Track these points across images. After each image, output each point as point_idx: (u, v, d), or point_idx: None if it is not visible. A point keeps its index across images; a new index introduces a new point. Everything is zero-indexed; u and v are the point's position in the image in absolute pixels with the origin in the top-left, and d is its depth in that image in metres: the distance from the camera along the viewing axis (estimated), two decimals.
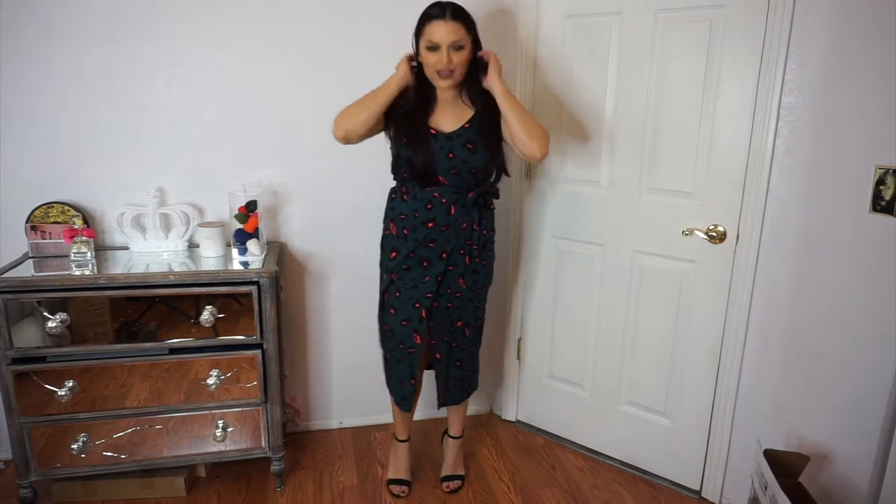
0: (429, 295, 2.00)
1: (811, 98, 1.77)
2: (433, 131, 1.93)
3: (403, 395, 2.12)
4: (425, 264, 1.99)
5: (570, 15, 2.25)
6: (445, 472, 2.31)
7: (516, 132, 1.87)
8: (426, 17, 1.85)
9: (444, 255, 1.99)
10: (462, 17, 1.84)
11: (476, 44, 1.91)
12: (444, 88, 1.91)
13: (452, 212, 1.96)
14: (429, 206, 1.95)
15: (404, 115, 1.94)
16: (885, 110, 1.54)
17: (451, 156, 1.92)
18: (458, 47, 1.84)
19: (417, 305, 2.01)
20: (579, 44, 2.25)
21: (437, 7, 1.85)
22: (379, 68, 1.97)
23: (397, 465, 2.28)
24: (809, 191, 1.80)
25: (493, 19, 2.38)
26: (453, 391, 2.18)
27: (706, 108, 1.99)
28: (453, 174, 1.94)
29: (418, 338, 2.03)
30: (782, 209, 1.88)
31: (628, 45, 2.12)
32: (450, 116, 1.96)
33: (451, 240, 1.98)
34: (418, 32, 1.88)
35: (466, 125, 1.95)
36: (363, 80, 1.92)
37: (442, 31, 1.81)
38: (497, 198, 2.08)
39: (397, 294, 2.02)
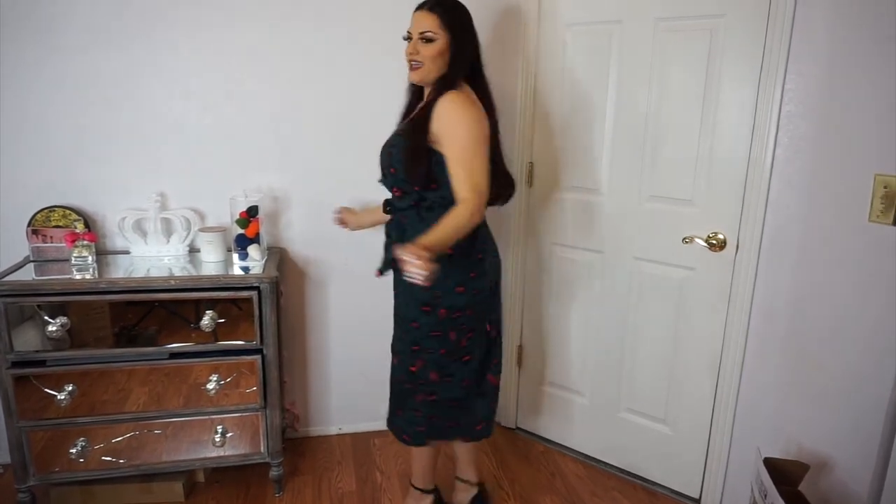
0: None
1: (811, 107, 1.78)
2: None
3: None
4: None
5: (571, 23, 2.26)
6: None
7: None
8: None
9: None
10: (440, 9, 1.71)
11: (457, 43, 1.73)
12: (412, 81, 1.79)
13: None
14: None
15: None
16: (884, 119, 1.54)
17: None
18: (427, 39, 1.70)
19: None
20: (580, 52, 2.26)
21: None
22: (378, 74, 1.98)
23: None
24: (809, 199, 1.81)
25: (494, 28, 2.39)
26: None
27: (706, 116, 2.00)
28: None
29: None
30: (782, 217, 1.89)
31: (629, 54, 2.13)
32: None
33: None
34: None
35: None
36: (364, 86, 1.92)
37: (414, 20, 1.74)
38: None
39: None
